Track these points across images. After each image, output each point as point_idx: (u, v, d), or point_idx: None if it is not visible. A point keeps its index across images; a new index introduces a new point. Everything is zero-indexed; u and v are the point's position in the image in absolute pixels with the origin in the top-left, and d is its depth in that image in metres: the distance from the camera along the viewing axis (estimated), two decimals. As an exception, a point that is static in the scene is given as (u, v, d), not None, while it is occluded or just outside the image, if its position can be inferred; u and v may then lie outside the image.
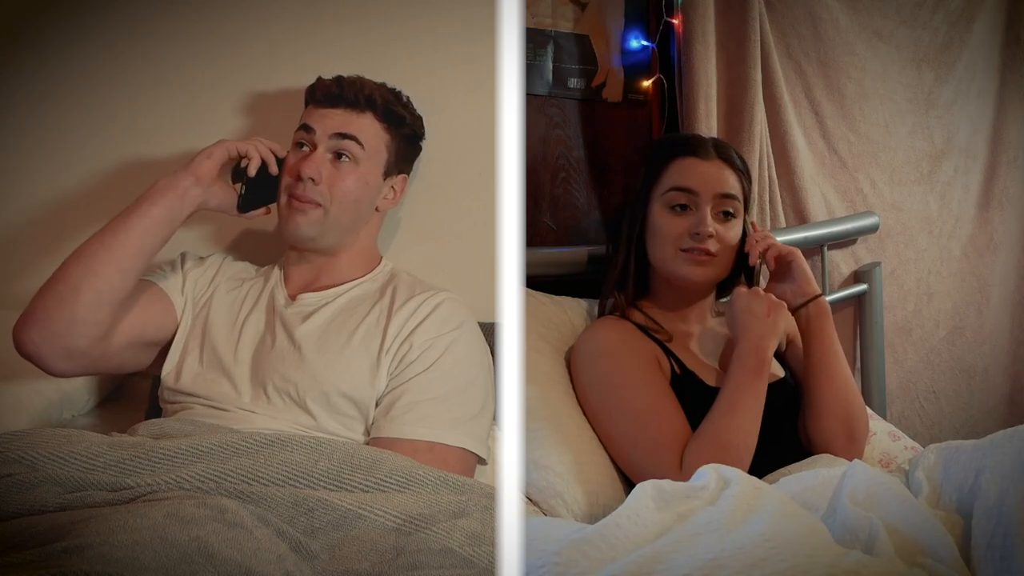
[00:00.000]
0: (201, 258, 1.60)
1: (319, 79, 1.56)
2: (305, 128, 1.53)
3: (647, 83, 2.01)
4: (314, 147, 1.51)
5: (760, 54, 2.01)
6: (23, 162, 1.75)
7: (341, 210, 1.51)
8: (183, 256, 1.59)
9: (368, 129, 1.53)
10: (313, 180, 1.49)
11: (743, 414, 1.40)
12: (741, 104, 1.99)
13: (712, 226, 1.52)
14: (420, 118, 1.63)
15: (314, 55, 1.71)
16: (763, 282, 1.73)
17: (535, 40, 1.90)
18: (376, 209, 1.58)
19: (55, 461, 1.18)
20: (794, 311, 1.58)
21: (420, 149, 1.65)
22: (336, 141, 1.51)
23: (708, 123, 1.92)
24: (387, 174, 1.57)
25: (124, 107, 1.75)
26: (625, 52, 2.00)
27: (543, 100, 1.92)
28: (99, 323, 1.39)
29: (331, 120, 1.52)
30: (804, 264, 1.58)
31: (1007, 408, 2.52)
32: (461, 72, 1.74)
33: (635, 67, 2.01)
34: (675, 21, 1.96)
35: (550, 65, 1.92)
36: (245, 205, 1.51)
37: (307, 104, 1.57)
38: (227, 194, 1.50)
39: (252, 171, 1.49)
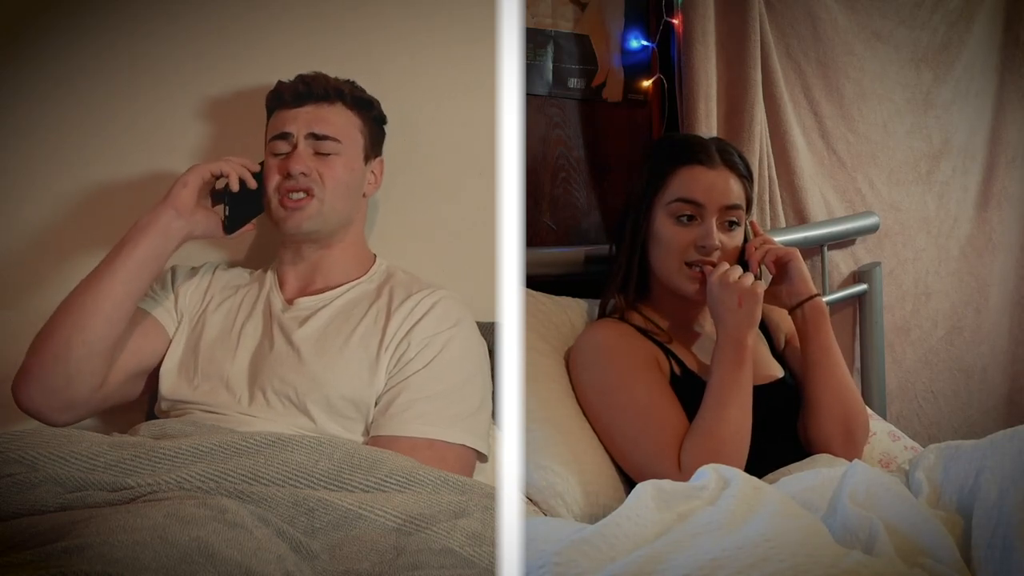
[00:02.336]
0: (193, 268, 1.60)
1: (280, 83, 1.56)
2: (281, 135, 1.52)
3: (647, 83, 2.01)
4: (294, 147, 1.51)
5: (760, 54, 2.01)
6: (23, 162, 1.75)
7: (335, 197, 1.51)
8: (173, 271, 1.58)
9: (341, 118, 1.54)
10: (304, 173, 1.49)
11: (732, 406, 1.41)
12: (741, 104, 1.99)
13: (718, 238, 1.51)
14: (378, 101, 1.62)
15: (314, 56, 1.71)
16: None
17: (535, 40, 1.90)
18: (363, 195, 1.59)
19: (55, 461, 1.17)
20: (791, 311, 1.58)
21: (385, 133, 1.65)
22: (313, 141, 1.51)
23: (708, 123, 1.92)
24: (366, 158, 1.58)
25: (124, 107, 1.74)
26: (625, 52, 2.00)
27: (543, 100, 1.92)
28: (95, 373, 1.41)
29: (304, 118, 1.52)
30: (801, 265, 1.58)
31: (1006, 408, 2.53)
32: (461, 72, 1.74)
33: (635, 67, 2.01)
34: (675, 21, 1.96)
35: (550, 65, 1.92)
36: (231, 225, 1.50)
37: (272, 110, 1.56)
38: (210, 220, 1.49)
39: (234, 186, 1.48)
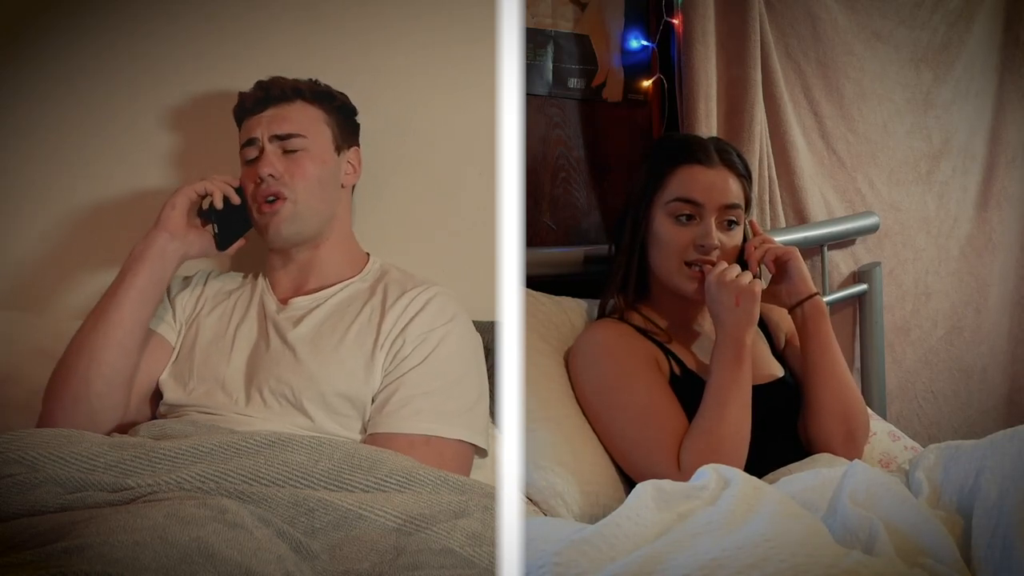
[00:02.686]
0: (186, 278, 1.61)
1: (241, 93, 1.58)
2: (248, 142, 1.54)
3: (647, 83, 2.01)
4: (262, 151, 1.52)
5: (760, 54, 2.01)
6: (23, 161, 1.75)
7: (309, 195, 1.52)
8: (168, 284, 1.58)
9: (303, 114, 1.55)
10: (272, 176, 1.50)
11: (731, 405, 1.40)
12: (741, 104, 1.99)
13: (717, 237, 1.51)
14: (345, 94, 1.63)
15: (314, 56, 1.71)
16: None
17: (535, 40, 1.90)
18: (342, 186, 1.59)
19: (56, 461, 1.17)
20: (790, 311, 1.58)
21: (358, 125, 1.65)
22: (279, 142, 1.52)
23: (708, 123, 1.92)
24: (339, 149, 1.58)
25: (124, 107, 1.74)
26: (625, 52, 2.00)
27: (543, 100, 1.92)
28: (116, 407, 1.42)
29: (267, 121, 1.53)
30: (800, 264, 1.58)
31: (1005, 408, 2.53)
32: (461, 72, 1.74)
33: (635, 67, 2.01)
34: (675, 21, 1.97)
35: (550, 65, 1.92)
36: (223, 242, 1.51)
37: (240, 121, 1.58)
38: (203, 238, 1.50)
39: (218, 203, 1.49)
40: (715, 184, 1.53)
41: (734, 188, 1.54)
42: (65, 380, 1.39)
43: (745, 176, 1.58)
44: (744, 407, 1.42)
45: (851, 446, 1.53)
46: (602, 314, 1.64)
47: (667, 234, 1.53)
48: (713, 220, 1.52)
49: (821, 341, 1.55)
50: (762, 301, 1.51)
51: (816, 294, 1.57)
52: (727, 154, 1.57)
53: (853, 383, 1.57)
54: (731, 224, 1.54)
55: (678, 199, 1.53)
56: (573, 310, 1.71)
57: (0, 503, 1.11)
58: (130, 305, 1.41)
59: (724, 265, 1.49)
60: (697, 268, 1.52)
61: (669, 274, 1.55)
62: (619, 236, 1.61)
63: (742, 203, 1.56)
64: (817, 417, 1.53)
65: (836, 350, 1.56)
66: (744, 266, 1.58)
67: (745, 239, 1.60)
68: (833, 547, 1.01)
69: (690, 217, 1.53)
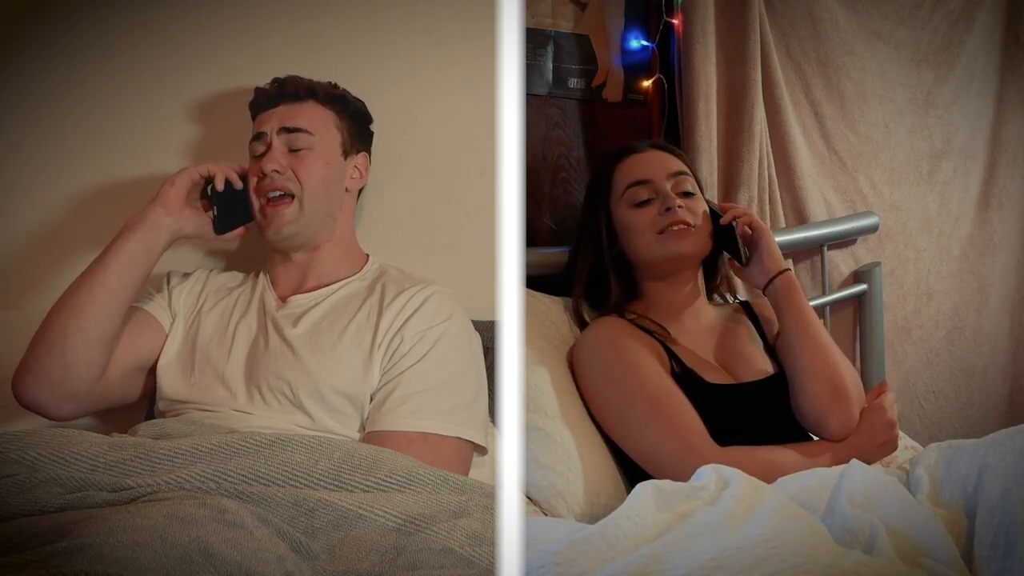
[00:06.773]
0: (186, 274, 1.61)
1: (257, 88, 1.59)
2: (257, 136, 1.55)
3: (647, 83, 2.02)
4: (269, 146, 1.53)
5: (760, 54, 2.01)
6: (24, 162, 1.75)
7: (313, 196, 1.52)
8: (168, 275, 1.60)
9: (314, 114, 1.56)
10: (277, 171, 1.50)
11: (789, 466, 1.40)
12: (741, 104, 1.99)
13: (679, 200, 1.57)
14: (362, 101, 1.64)
15: (314, 55, 1.71)
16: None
17: (535, 40, 1.90)
18: (346, 190, 1.59)
19: (56, 461, 1.18)
20: (764, 289, 1.60)
21: (371, 133, 1.66)
22: (286, 136, 1.53)
23: (708, 123, 1.92)
24: (346, 153, 1.59)
25: (124, 108, 1.75)
26: (625, 52, 2.00)
27: (543, 100, 1.92)
28: (92, 364, 1.41)
29: (277, 117, 1.55)
30: (771, 242, 1.60)
31: (1006, 408, 2.52)
32: (461, 71, 1.74)
33: (635, 67, 2.01)
34: (675, 21, 1.97)
35: (550, 65, 1.92)
36: (221, 226, 1.52)
37: (254, 116, 1.59)
38: (200, 219, 1.51)
39: (219, 184, 1.50)
40: (654, 159, 1.63)
41: (674, 160, 1.64)
42: (44, 333, 1.40)
43: (682, 157, 1.67)
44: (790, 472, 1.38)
45: (842, 403, 1.49)
46: (579, 320, 1.65)
47: (634, 219, 1.59)
48: (668, 187, 1.59)
49: (795, 311, 1.55)
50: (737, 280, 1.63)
51: (787, 270, 1.58)
52: (657, 144, 1.68)
53: (834, 346, 1.55)
54: (687, 195, 1.60)
55: (629, 185, 1.60)
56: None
57: (0, 503, 1.11)
58: (117, 267, 1.42)
59: (892, 397, 1.55)
60: (672, 229, 1.56)
61: (651, 249, 1.58)
62: (581, 244, 1.66)
63: (688, 172, 1.63)
64: (803, 382, 1.51)
65: (812, 318, 1.55)
66: (727, 243, 1.61)
67: (717, 219, 1.62)
68: (833, 547, 1.01)
69: (648, 200, 1.59)
